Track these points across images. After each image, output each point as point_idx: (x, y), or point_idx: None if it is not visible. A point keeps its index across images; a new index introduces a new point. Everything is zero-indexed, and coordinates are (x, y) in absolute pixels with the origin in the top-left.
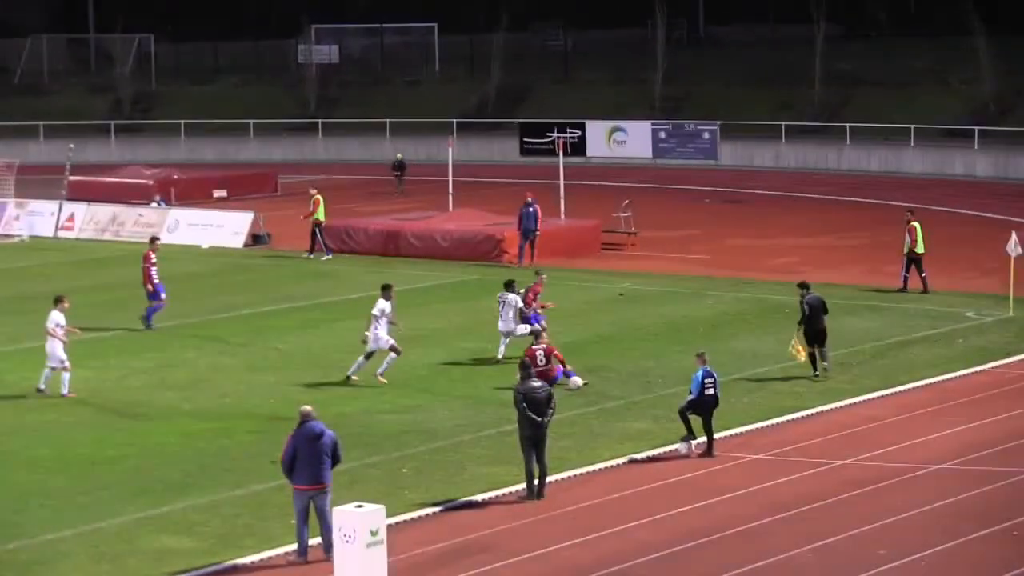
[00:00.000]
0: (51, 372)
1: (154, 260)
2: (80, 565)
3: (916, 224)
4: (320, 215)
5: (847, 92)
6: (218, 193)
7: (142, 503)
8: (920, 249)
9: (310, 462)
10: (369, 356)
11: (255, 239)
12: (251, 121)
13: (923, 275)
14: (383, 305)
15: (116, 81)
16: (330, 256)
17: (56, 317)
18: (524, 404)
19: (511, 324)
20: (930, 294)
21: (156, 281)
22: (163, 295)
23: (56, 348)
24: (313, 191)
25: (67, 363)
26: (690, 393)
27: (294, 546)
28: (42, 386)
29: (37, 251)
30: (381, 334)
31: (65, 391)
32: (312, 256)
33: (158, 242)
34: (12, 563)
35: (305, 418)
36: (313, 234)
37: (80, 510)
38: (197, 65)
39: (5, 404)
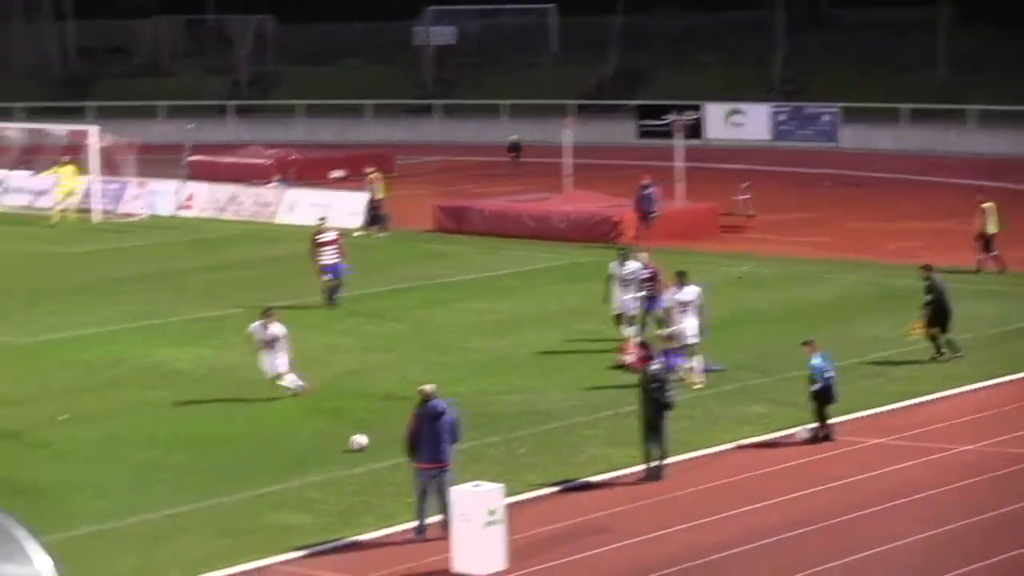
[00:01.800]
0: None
1: (327, 239)
2: (200, 540)
3: (988, 205)
4: (380, 193)
5: (968, 74)
6: (336, 173)
7: (261, 480)
8: (992, 229)
9: (432, 440)
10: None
11: (378, 219)
12: (369, 102)
13: (993, 254)
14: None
15: (235, 62)
16: (377, 231)
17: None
18: (647, 386)
19: (629, 303)
20: (1006, 274)
21: (330, 262)
22: (341, 270)
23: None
24: (371, 169)
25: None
26: (813, 381)
27: (413, 524)
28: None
29: (157, 229)
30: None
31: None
32: (369, 232)
33: (326, 222)
34: (133, 537)
35: (427, 397)
36: (372, 210)
37: (200, 486)
38: (316, 47)
39: (126, 381)
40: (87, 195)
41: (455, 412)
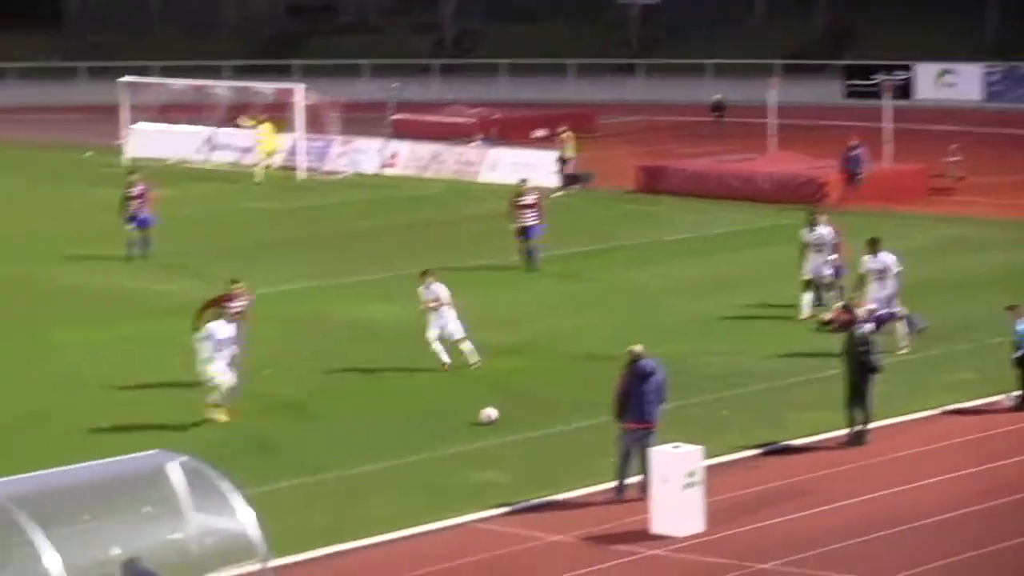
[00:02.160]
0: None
1: (528, 202)
2: (396, 497)
3: None
4: (569, 151)
5: None
6: (538, 132)
7: (458, 438)
8: None
9: (639, 401)
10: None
11: (574, 179)
12: (572, 61)
13: None
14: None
15: (440, 20)
16: (574, 190)
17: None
18: (853, 350)
19: (820, 268)
20: None
21: (528, 224)
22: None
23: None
24: (563, 128)
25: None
26: (1017, 347)
27: (612, 484)
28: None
29: (361, 187)
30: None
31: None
32: (568, 191)
33: (526, 183)
34: (332, 493)
35: (636, 357)
36: (563, 168)
37: (398, 444)
38: (520, 5)
39: (327, 337)
40: (292, 152)
41: (663, 372)
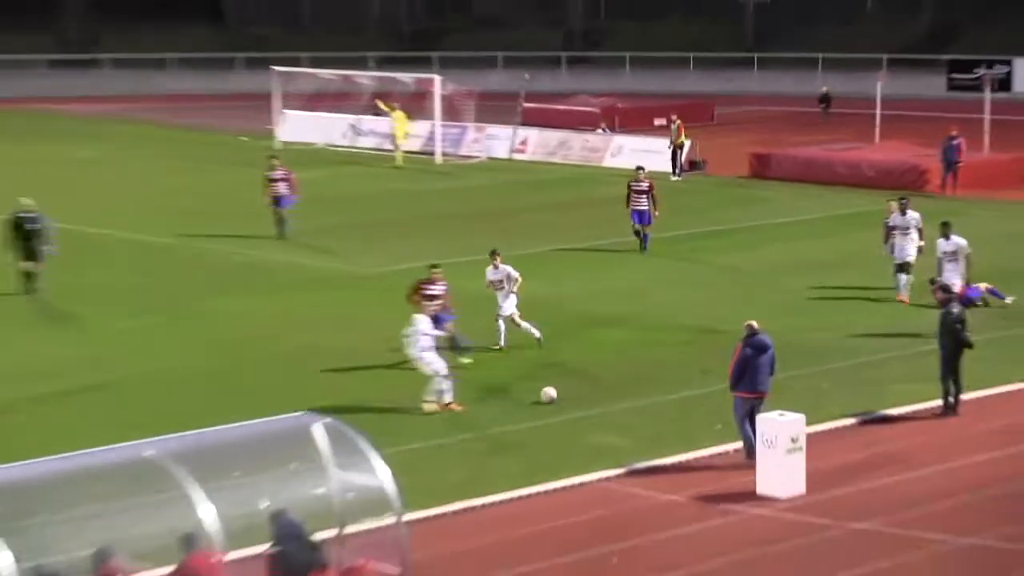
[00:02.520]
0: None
1: (643, 188)
2: (526, 456)
3: None
4: (680, 139)
5: None
6: (658, 121)
7: (582, 404)
8: None
9: (755, 372)
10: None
11: (692, 165)
12: (691, 55)
13: None
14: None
15: (568, 16)
16: (679, 178)
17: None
18: (950, 326)
19: (908, 251)
20: None
21: (640, 209)
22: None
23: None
24: (675, 118)
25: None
26: None
27: (712, 449)
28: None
29: (493, 171)
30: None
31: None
32: (678, 177)
33: (642, 172)
34: (466, 452)
35: (753, 331)
36: (674, 155)
37: (530, 407)
38: (644, 3)
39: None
40: (430, 138)
41: (773, 346)
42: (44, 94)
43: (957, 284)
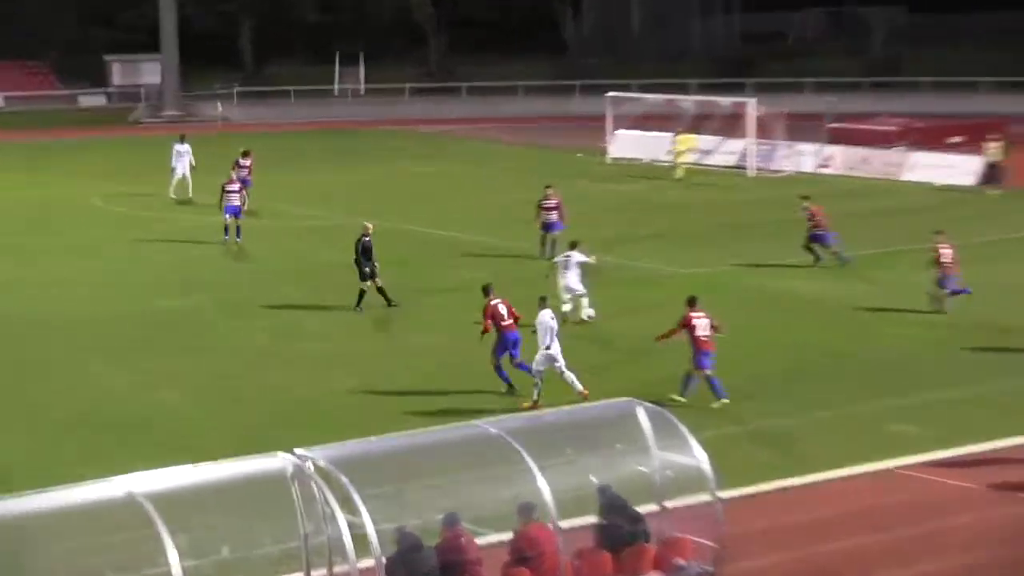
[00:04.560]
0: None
1: (551, 204)
2: (828, 440)
3: None
4: (999, 156)
5: None
6: (952, 140)
7: (886, 393)
8: None
9: None
10: None
11: (990, 178)
12: (983, 79)
13: None
14: None
15: (870, 44)
16: (994, 189)
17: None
18: None
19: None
20: None
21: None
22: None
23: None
24: (995, 136)
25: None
26: None
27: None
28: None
29: (800, 183)
30: None
31: (586, 314)
32: (984, 190)
33: (807, 203)
34: (773, 436)
35: None
36: (990, 170)
37: (838, 394)
38: (941, 32)
39: (759, 305)
40: (745, 154)
41: None
42: (410, 116)
43: None
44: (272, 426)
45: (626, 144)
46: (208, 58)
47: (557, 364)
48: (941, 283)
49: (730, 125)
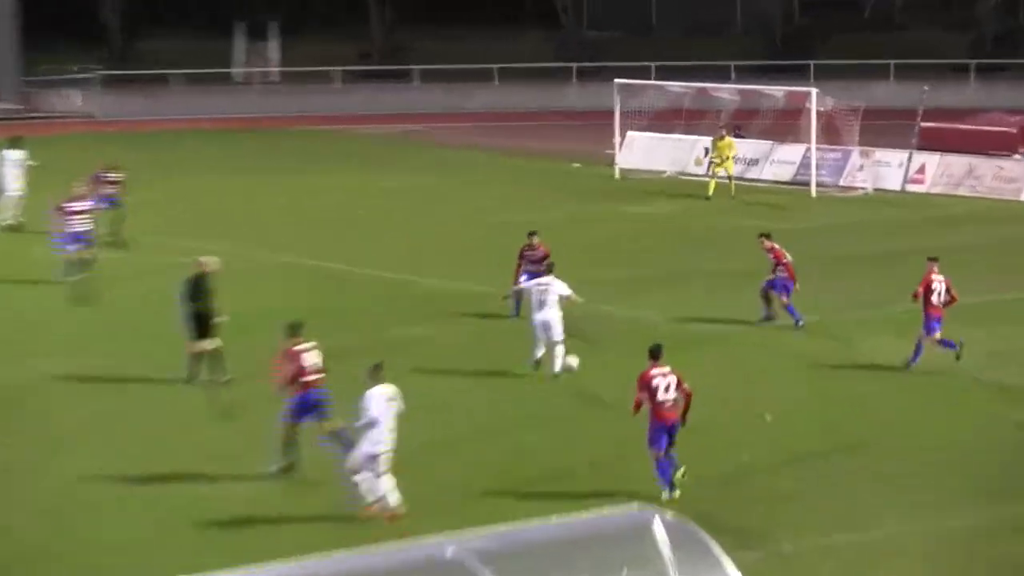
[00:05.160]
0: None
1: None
2: (911, 568)
3: None
4: None
5: None
6: None
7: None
8: None
9: None
10: None
11: None
12: None
13: None
14: None
15: (978, 16)
16: None
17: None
18: None
19: None
20: None
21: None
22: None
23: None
24: None
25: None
26: None
27: None
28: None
29: (880, 205)
30: None
31: (562, 365)
32: None
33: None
34: (843, 555)
35: None
36: None
37: (923, 505)
38: None
39: (835, 371)
40: (804, 166)
41: None
42: (343, 110)
43: None
44: None
45: (641, 150)
46: (62, 31)
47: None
48: (927, 326)
49: (784, 124)
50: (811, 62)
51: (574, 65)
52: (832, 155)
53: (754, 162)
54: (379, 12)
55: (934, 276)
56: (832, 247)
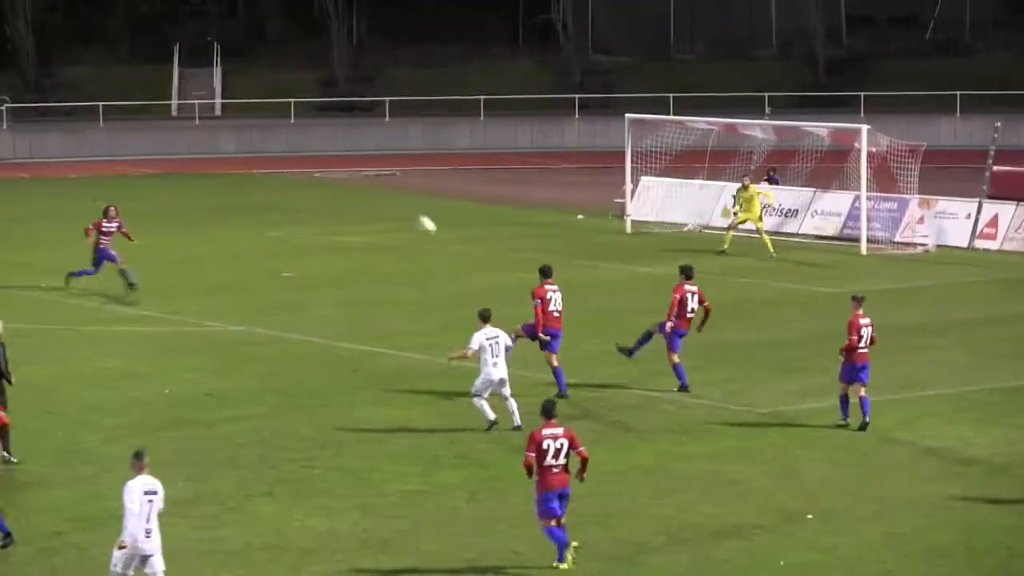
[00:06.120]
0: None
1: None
2: None
3: None
4: None
5: None
6: None
7: None
8: None
9: None
10: None
11: None
12: None
13: None
14: None
15: None
16: None
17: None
18: None
19: None
20: None
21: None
22: None
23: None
24: None
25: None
26: None
27: None
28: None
29: (944, 265)
30: None
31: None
32: None
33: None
34: None
35: None
36: None
37: None
38: None
39: (894, 467)
40: (851, 217)
41: None
42: (304, 149)
43: None
44: None
45: (656, 199)
46: None
47: None
48: (847, 374)
49: (829, 168)
50: (861, 93)
51: (576, 96)
52: (886, 205)
53: (792, 213)
54: (343, 32)
55: (861, 319)
56: (886, 315)
